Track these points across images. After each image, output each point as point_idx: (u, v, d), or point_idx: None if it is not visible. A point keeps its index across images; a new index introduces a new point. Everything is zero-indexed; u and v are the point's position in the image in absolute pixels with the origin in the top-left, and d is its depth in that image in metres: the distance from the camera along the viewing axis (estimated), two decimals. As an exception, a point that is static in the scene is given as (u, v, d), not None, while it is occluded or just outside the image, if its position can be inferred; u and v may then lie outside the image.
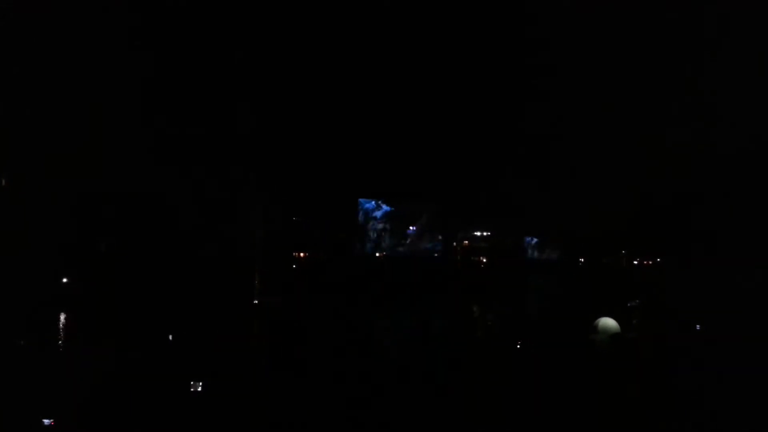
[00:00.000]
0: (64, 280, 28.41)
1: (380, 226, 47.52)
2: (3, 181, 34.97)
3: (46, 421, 5.23)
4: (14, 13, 30.18)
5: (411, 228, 48.56)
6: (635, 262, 70.82)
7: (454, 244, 72.57)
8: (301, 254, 53.16)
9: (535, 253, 74.69)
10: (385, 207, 48.05)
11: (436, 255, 49.89)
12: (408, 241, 48.58)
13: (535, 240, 75.99)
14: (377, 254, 47.06)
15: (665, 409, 3.68)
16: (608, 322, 4.28)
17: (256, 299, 27.47)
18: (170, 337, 13.85)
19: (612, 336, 4.19)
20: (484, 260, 67.47)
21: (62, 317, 20.71)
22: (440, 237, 50.57)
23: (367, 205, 47.99)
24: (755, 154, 42.35)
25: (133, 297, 27.88)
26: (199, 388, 7.15)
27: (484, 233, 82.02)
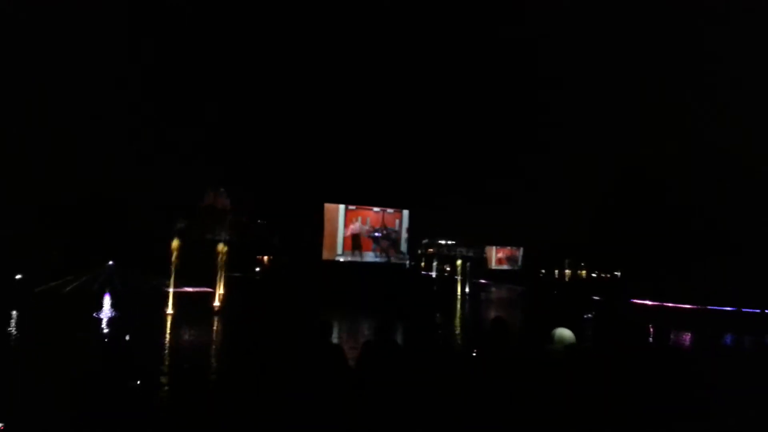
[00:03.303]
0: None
1: (348, 231, 47.42)
2: None
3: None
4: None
5: (376, 234, 48.59)
6: (593, 275, 72.66)
7: (419, 251, 72.99)
8: (265, 258, 52.61)
9: (497, 264, 75.99)
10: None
11: (399, 261, 50.00)
12: (372, 248, 48.59)
13: (495, 250, 77.28)
14: (341, 259, 46.88)
15: (623, 417, 3.80)
16: (564, 333, 4.39)
17: (217, 302, 27.11)
18: (127, 338, 13.52)
19: (567, 346, 4.30)
20: (448, 268, 68.12)
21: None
22: (406, 245, 50.71)
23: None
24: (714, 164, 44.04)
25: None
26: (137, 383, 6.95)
27: (449, 242, 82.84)
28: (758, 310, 27.91)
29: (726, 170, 43.10)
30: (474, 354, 4.52)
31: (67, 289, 27.44)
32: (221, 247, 30.33)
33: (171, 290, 23.63)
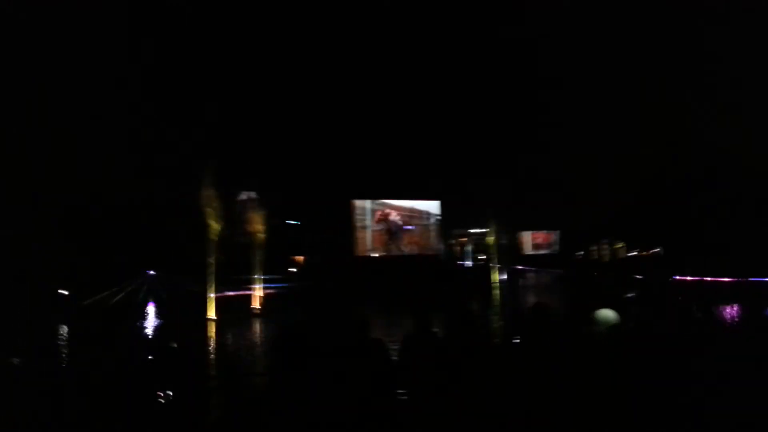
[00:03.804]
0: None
1: (378, 226, 47.49)
2: None
3: None
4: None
5: (409, 227, 48.54)
6: (632, 254, 71.10)
7: (452, 242, 72.60)
8: (300, 258, 53.15)
9: (531, 248, 74.99)
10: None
11: (433, 252, 49.88)
12: (405, 241, 48.56)
13: (531, 235, 76.31)
14: (374, 254, 47.00)
15: (666, 402, 3.69)
16: (607, 314, 4.28)
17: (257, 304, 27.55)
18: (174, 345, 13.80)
19: (611, 327, 4.19)
20: (483, 257, 67.61)
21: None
22: (438, 235, 50.55)
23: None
24: (746, 150, 42.78)
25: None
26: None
27: (481, 230, 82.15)
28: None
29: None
30: (516, 341, 4.46)
31: (114, 300, 28.17)
32: (255, 249, 30.78)
33: (211, 295, 24.08)
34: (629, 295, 24.23)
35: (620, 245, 74.97)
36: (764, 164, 40.17)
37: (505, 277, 49.35)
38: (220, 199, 25.86)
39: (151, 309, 27.31)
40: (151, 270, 33.16)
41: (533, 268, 59.10)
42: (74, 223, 35.96)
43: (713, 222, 40.82)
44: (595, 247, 73.80)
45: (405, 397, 4.49)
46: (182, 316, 24.16)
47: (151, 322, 22.92)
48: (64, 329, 20.48)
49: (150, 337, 18.80)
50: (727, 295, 23.94)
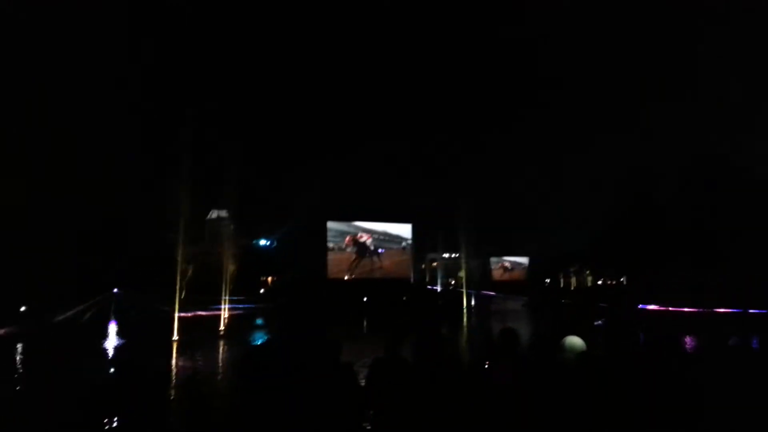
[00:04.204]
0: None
1: (351, 249, 47.32)
2: None
3: None
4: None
5: (380, 250, 48.51)
6: (599, 282, 72.30)
7: (423, 266, 72.73)
8: (269, 279, 52.54)
9: (501, 275, 75.64)
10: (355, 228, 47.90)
11: (404, 276, 49.86)
12: (377, 264, 48.48)
13: (501, 260, 77.03)
14: (345, 277, 46.76)
15: (642, 423, 3.76)
16: (575, 341, 4.34)
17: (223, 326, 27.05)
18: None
19: (579, 354, 4.25)
20: (452, 281, 67.84)
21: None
22: (410, 259, 50.61)
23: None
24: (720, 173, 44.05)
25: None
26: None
27: (452, 255, 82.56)
28: (765, 311, 27.74)
29: (725, 173, 43.13)
30: (486, 366, 4.47)
31: (84, 318, 27.36)
32: (225, 269, 30.32)
33: (176, 315, 23.50)
34: (597, 322, 24.57)
35: (587, 273, 76.31)
36: (733, 195, 41.28)
37: (473, 302, 49.54)
38: (190, 217, 25.44)
39: (114, 327, 26.57)
40: (116, 288, 32.34)
41: (502, 294, 59.52)
42: (41, 238, 34.96)
43: (681, 252, 41.79)
44: (561, 276, 74.99)
45: (372, 423, 4.46)
46: (146, 335, 23.55)
47: (114, 341, 22.26)
48: (20, 347, 19.78)
49: (113, 355, 18.24)
50: (692, 324, 24.47)
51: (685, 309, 31.25)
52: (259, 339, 22.74)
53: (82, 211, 38.83)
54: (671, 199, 47.73)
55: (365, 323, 30.89)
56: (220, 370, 15.81)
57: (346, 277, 46.58)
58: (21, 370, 15.58)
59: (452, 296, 51.33)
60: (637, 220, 48.55)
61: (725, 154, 44.42)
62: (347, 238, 47.37)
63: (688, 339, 18.07)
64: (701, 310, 30.41)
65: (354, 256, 47.16)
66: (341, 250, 47.13)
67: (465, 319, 38.04)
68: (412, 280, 51.49)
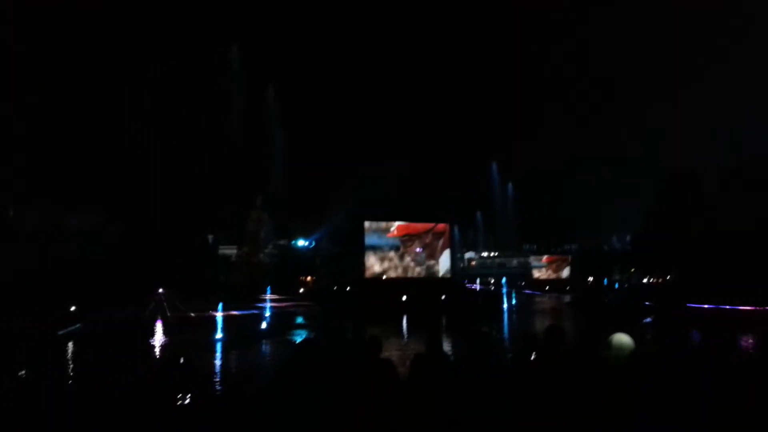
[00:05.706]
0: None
1: (389, 248, 47.33)
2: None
3: None
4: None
5: (419, 249, 48.34)
6: (644, 281, 70.19)
7: (461, 265, 72.19)
8: (308, 278, 53.08)
9: (543, 274, 74.35)
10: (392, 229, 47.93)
11: (444, 275, 49.54)
12: (415, 263, 48.33)
13: (542, 259, 75.75)
14: (385, 276, 46.75)
15: (687, 421, 3.59)
16: (623, 338, 4.18)
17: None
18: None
19: (628, 352, 4.08)
20: (492, 280, 67.12)
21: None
22: (448, 258, 50.23)
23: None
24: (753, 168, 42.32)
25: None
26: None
27: (492, 254, 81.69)
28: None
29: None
30: (533, 358, 4.35)
31: (145, 315, 28.25)
32: (266, 269, 30.79)
33: (219, 314, 23.99)
34: (646, 320, 23.86)
35: (632, 271, 74.18)
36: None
37: (514, 301, 48.89)
38: (231, 219, 25.98)
39: (158, 326, 27.29)
40: (161, 288, 33.22)
41: (543, 293, 58.52)
42: (90, 242, 36.30)
43: (730, 249, 40.19)
44: (605, 274, 73.14)
45: (413, 418, 4.39)
46: (190, 334, 24.09)
47: (158, 340, 22.85)
48: (71, 345, 20.50)
49: (157, 353, 18.73)
50: (750, 323, 23.47)
51: (741, 307, 29.98)
52: (301, 337, 22.96)
53: (123, 214, 40.21)
54: (720, 197, 46.00)
55: (405, 322, 30.84)
56: (264, 368, 16.04)
57: (385, 277, 46.57)
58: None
59: (492, 295, 50.76)
60: (685, 217, 46.96)
61: None
62: (387, 237, 47.33)
63: (746, 337, 17.34)
64: (757, 308, 29.16)
65: (393, 256, 47.10)
66: (380, 249, 47.14)
67: (506, 317, 37.54)
68: (452, 278, 51.03)
